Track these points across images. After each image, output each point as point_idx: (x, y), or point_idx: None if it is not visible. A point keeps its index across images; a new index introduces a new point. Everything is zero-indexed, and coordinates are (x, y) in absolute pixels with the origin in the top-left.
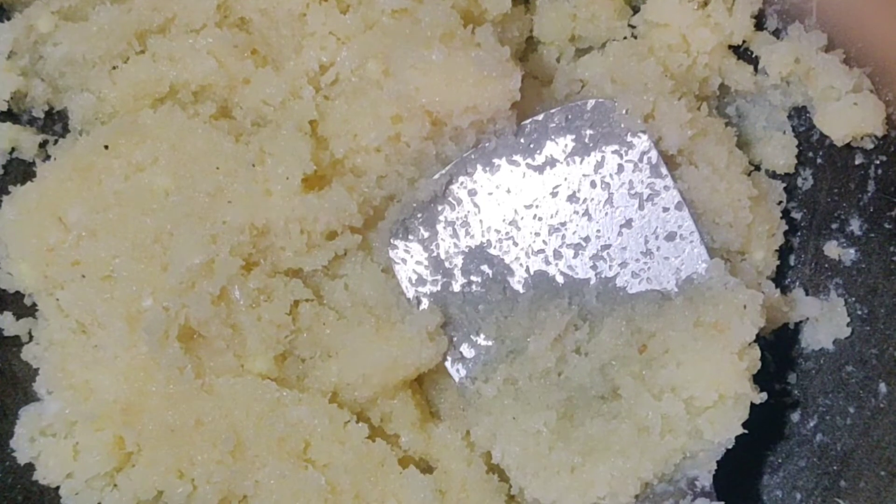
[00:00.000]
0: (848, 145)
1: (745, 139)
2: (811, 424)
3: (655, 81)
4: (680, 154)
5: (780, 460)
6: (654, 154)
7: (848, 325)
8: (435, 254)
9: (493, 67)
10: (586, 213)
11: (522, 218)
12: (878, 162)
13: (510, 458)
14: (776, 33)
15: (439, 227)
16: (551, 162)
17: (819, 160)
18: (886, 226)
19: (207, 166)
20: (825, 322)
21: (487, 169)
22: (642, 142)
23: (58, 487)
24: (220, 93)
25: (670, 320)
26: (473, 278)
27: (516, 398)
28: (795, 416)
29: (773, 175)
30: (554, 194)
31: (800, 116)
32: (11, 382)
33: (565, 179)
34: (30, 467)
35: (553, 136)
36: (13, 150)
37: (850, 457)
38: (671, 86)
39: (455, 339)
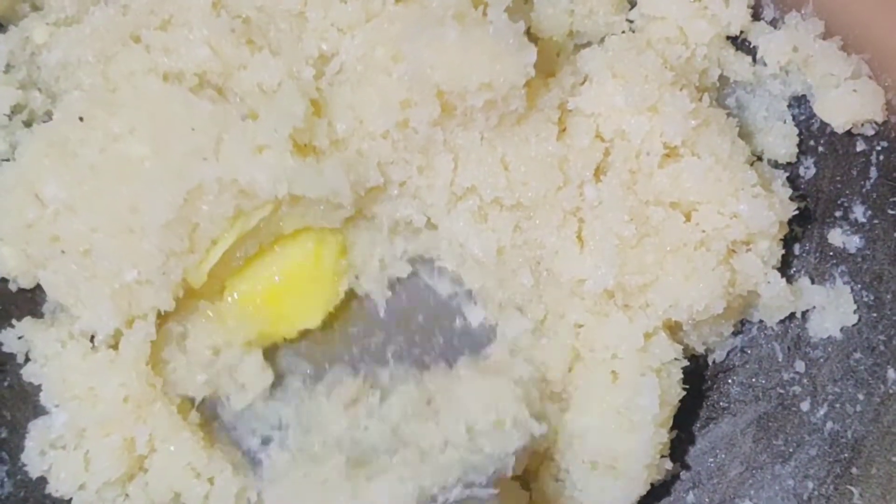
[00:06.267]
0: (849, 132)
1: (746, 130)
2: (821, 413)
3: (656, 73)
4: (683, 145)
5: (790, 449)
6: None
7: (854, 312)
8: None
9: (509, 40)
10: None
11: None
12: (879, 148)
13: None
14: (773, 23)
15: None
16: None
17: (820, 148)
18: (890, 212)
19: (183, 128)
20: (832, 310)
21: None
22: None
23: (71, 499)
24: (214, 80)
25: (457, 376)
26: None
27: (311, 460)
28: (805, 405)
29: (775, 165)
30: None
31: (800, 105)
32: (21, 397)
33: None
34: (42, 480)
35: None
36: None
37: (860, 444)
38: (671, 77)
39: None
